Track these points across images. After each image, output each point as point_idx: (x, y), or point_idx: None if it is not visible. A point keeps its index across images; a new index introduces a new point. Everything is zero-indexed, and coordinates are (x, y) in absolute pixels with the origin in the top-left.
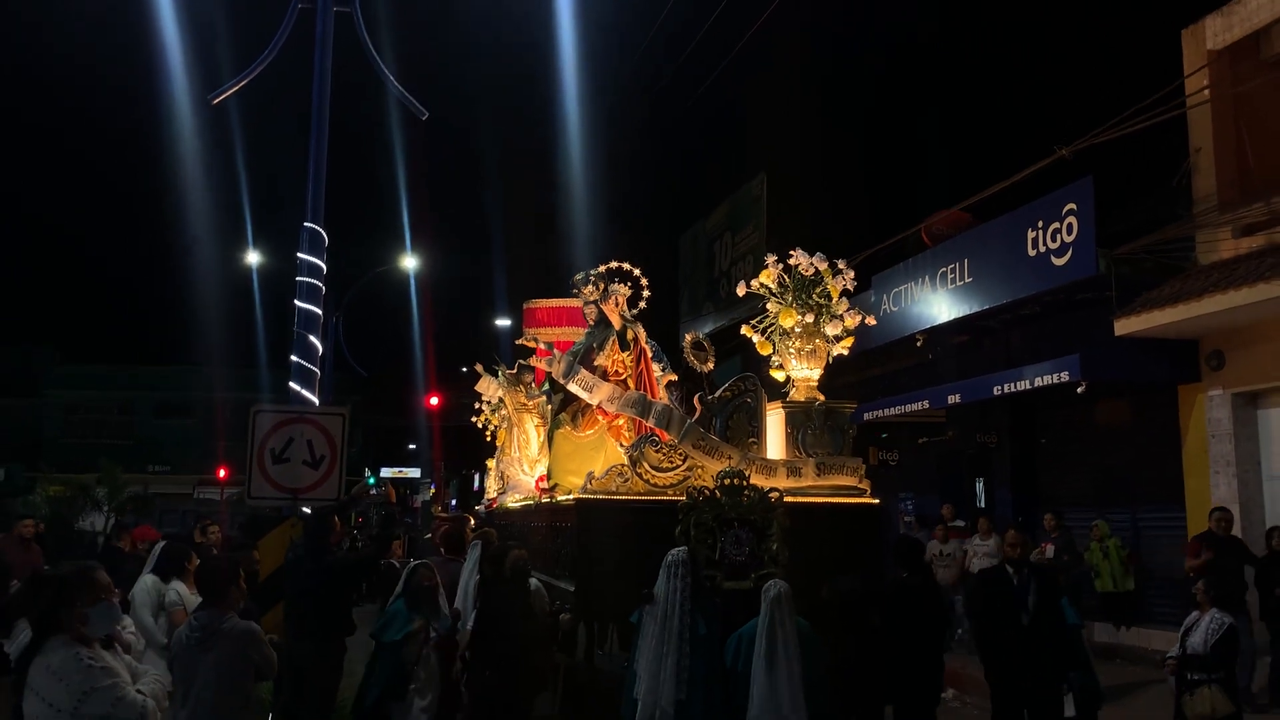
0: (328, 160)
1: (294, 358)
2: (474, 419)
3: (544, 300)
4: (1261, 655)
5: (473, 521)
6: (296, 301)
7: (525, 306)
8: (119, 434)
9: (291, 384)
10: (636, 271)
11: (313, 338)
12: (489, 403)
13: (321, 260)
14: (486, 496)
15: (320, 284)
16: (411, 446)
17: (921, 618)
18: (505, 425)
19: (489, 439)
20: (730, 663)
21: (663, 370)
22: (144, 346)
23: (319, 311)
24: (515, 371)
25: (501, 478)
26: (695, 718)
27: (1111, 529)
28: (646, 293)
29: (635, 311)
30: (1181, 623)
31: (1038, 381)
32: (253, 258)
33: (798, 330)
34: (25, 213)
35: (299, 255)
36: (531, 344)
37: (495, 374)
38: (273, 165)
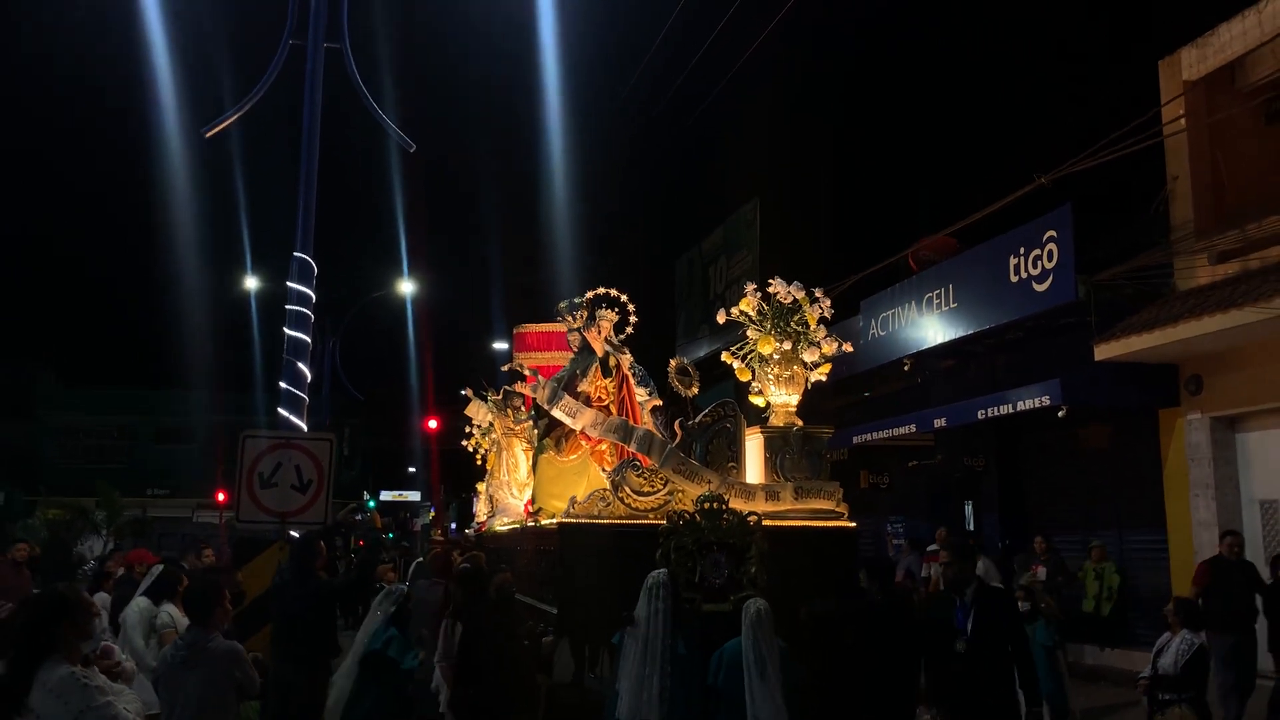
0: (321, 188)
1: (283, 384)
2: (464, 443)
3: (534, 325)
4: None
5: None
6: (286, 329)
7: (515, 331)
8: (117, 458)
9: (280, 410)
10: (624, 298)
11: (301, 364)
12: (479, 427)
13: (311, 289)
14: (476, 520)
15: (309, 312)
16: (411, 470)
17: (893, 636)
18: (495, 449)
19: (479, 463)
20: (712, 680)
21: (649, 394)
22: (142, 371)
23: (308, 339)
24: (502, 397)
25: (491, 501)
26: None
27: (1107, 554)
28: (634, 319)
29: (623, 337)
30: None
31: (1020, 406)
32: (249, 283)
33: (776, 357)
34: (24, 237)
35: (289, 284)
36: (519, 369)
37: (484, 399)
38: (268, 192)
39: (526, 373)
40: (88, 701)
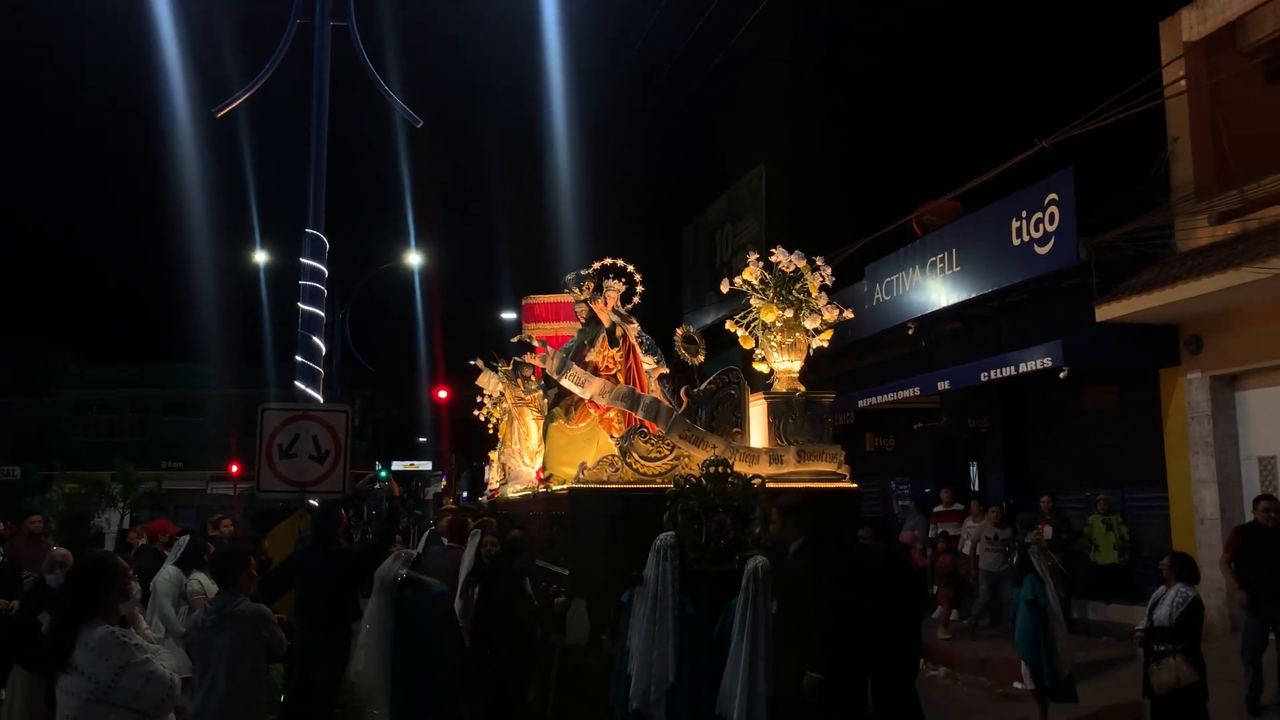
0: (331, 164)
1: (298, 358)
2: (476, 413)
3: (542, 296)
4: None
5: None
6: (300, 304)
7: (524, 302)
8: (131, 432)
9: (296, 383)
10: (630, 268)
11: (316, 339)
12: (490, 396)
13: (323, 264)
14: (489, 487)
15: (322, 287)
16: (422, 439)
17: (893, 592)
18: (506, 418)
19: (491, 432)
20: (719, 633)
21: (656, 363)
22: (154, 345)
23: (321, 314)
24: (512, 367)
25: (503, 469)
26: (684, 692)
27: (1111, 507)
28: (640, 288)
29: (630, 306)
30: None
31: (1022, 367)
32: (259, 257)
33: (778, 325)
34: (36, 216)
35: (301, 260)
36: (528, 340)
37: (495, 369)
38: (278, 166)
39: (535, 344)
40: (127, 658)
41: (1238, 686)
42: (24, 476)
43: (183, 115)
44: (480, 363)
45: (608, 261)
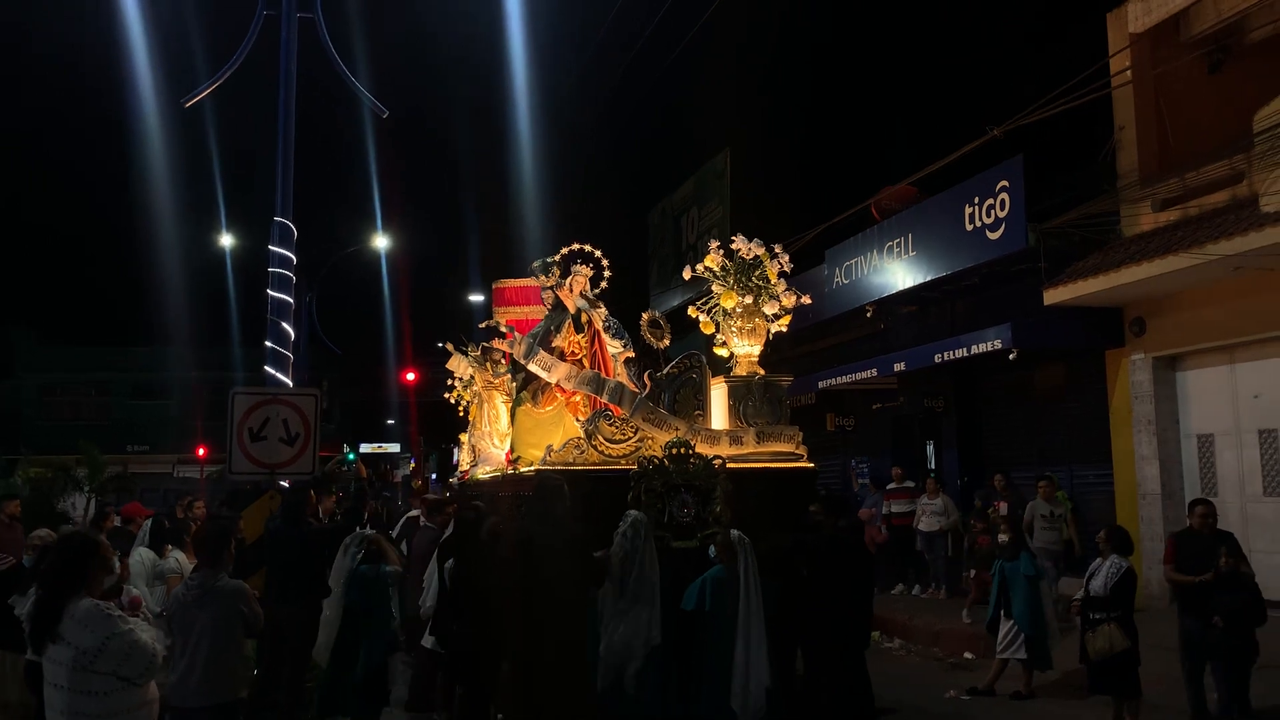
0: (299, 149)
1: (268, 343)
2: (446, 395)
3: (512, 280)
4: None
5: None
6: (269, 291)
7: (494, 286)
8: (96, 415)
9: (266, 368)
10: (598, 253)
11: (285, 324)
12: (460, 379)
13: (291, 252)
14: (459, 469)
15: (291, 274)
16: (390, 422)
17: (845, 567)
18: (476, 401)
19: (461, 414)
20: (697, 605)
21: (623, 347)
22: (119, 328)
23: (290, 300)
24: (481, 352)
25: (473, 451)
26: (653, 665)
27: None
28: (608, 273)
29: (597, 291)
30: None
31: (974, 349)
32: (225, 240)
33: (739, 310)
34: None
35: (270, 248)
36: (497, 325)
37: (465, 353)
38: (245, 151)
39: (504, 329)
40: (111, 629)
41: (1169, 653)
42: None
43: (149, 100)
44: (450, 346)
45: (575, 247)
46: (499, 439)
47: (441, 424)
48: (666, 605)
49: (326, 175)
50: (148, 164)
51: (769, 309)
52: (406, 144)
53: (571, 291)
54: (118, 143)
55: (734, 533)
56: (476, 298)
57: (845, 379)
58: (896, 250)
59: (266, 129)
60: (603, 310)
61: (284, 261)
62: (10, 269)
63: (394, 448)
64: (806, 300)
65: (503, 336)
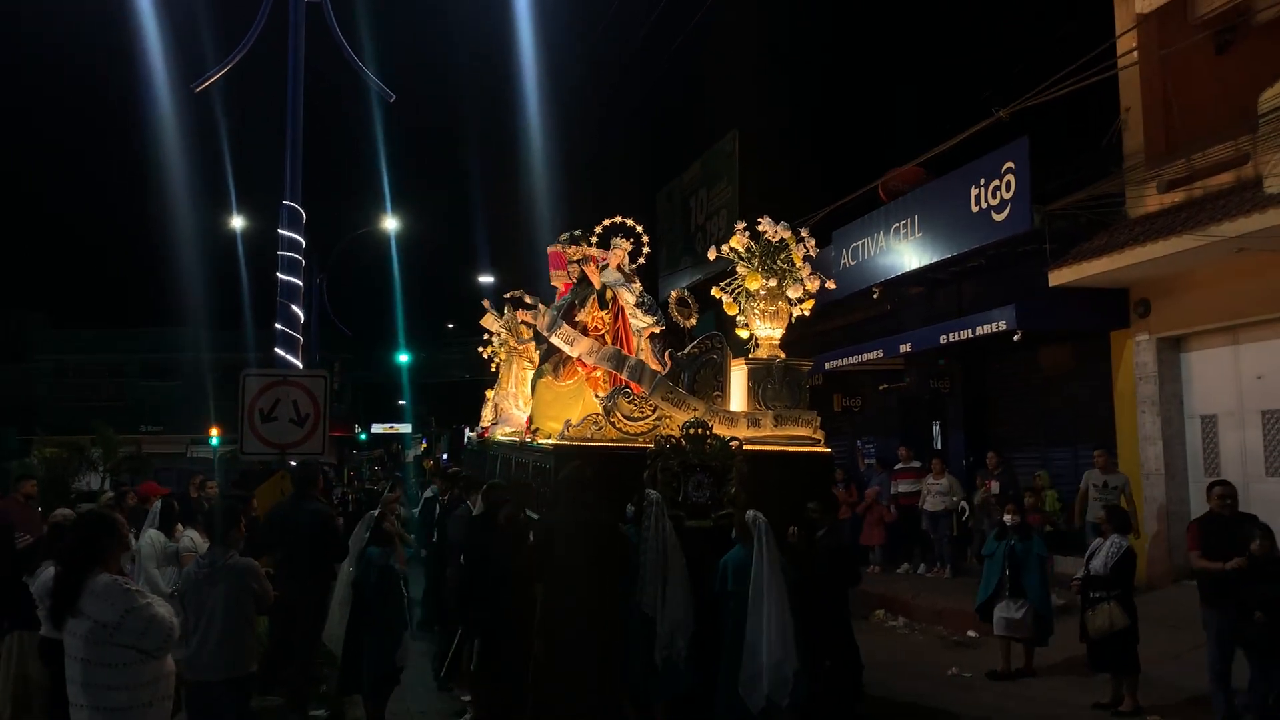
0: (308, 132)
1: (278, 325)
2: (481, 350)
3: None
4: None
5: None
6: (279, 274)
7: (549, 250)
8: (110, 396)
9: (276, 350)
10: (639, 228)
11: (295, 307)
12: (496, 335)
13: (300, 235)
14: (480, 425)
15: (300, 257)
16: (401, 402)
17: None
18: (508, 358)
19: (494, 369)
20: (720, 586)
21: (654, 323)
22: (132, 310)
23: (299, 283)
24: (510, 304)
25: (495, 409)
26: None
27: (1052, 479)
28: (646, 249)
29: (635, 266)
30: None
31: (979, 330)
32: (237, 222)
33: (762, 293)
34: (10, 181)
35: (279, 231)
36: (556, 286)
37: (501, 313)
38: (257, 133)
39: (528, 300)
40: (130, 603)
41: (1169, 632)
42: (2, 441)
43: (160, 86)
44: (487, 303)
45: (617, 220)
46: (523, 401)
47: (453, 404)
48: (693, 586)
49: (337, 157)
50: (159, 148)
51: (793, 292)
52: (415, 126)
53: (605, 265)
54: (129, 128)
55: (750, 513)
56: (487, 279)
57: (852, 360)
58: (903, 232)
59: (276, 112)
60: (638, 285)
61: (293, 245)
62: (24, 253)
63: (405, 428)
64: (831, 285)
65: (529, 307)
